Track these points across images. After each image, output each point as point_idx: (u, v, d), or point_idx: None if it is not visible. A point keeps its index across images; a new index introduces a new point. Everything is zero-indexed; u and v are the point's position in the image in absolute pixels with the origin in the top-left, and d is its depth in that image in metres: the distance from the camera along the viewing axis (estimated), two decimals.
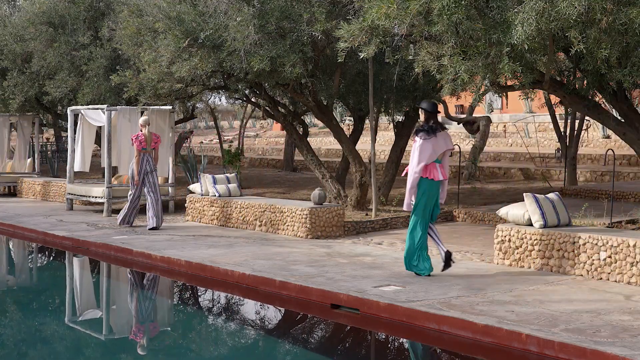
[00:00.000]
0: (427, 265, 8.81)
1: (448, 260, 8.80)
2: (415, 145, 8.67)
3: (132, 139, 12.97)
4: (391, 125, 16.82)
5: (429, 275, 8.79)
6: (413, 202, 8.73)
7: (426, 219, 8.77)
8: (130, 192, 13.20)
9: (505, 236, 9.47)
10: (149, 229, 12.82)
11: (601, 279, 8.54)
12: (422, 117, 8.86)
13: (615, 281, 8.42)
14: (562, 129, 17.63)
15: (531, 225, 9.32)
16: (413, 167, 8.63)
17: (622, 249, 8.38)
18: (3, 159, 19.90)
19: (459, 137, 26.57)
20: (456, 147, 16.20)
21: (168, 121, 15.41)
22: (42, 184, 18.15)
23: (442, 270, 8.87)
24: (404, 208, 8.89)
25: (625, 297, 7.78)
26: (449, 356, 7.15)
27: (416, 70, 9.06)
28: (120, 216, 13.41)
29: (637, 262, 8.25)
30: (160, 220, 12.98)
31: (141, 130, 13.01)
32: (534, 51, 8.66)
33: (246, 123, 31.51)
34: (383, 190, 14.36)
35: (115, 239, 11.95)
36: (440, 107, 16.26)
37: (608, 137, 23.72)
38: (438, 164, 8.74)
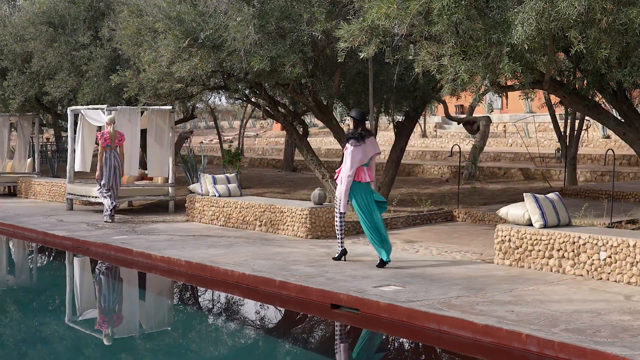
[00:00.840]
0: (386, 253, 9.55)
1: (342, 256, 9.85)
2: (347, 152, 9.44)
3: (98, 136, 13.93)
4: (391, 125, 16.83)
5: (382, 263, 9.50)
6: (348, 204, 9.55)
7: (367, 216, 9.49)
8: (97, 188, 14.14)
9: (505, 236, 9.47)
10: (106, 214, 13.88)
11: (601, 279, 8.54)
12: (351, 124, 9.58)
13: (615, 281, 8.42)
14: (562, 129, 17.63)
15: (531, 225, 9.32)
16: (346, 171, 9.41)
17: (622, 249, 8.38)
18: (3, 159, 19.89)
19: (459, 137, 26.59)
20: (456, 147, 16.23)
21: (168, 121, 15.41)
22: (42, 184, 18.15)
23: (333, 258, 9.89)
24: (341, 210, 9.61)
25: (625, 297, 7.78)
26: (449, 356, 7.15)
27: (416, 70, 9.06)
28: (105, 214, 13.94)
29: (637, 262, 8.25)
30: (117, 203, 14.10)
31: (106, 128, 13.91)
32: (534, 51, 8.66)
33: (246, 123, 31.52)
34: (383, 190, 14.35)
35: (115, 239, 11.95)
36: (440, 109, 16.20)
37: (608, 137, 23.73)
38: (365, 167, 9.51)
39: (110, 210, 13.86)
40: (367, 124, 10.04)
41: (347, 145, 9.48)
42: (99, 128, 15.67)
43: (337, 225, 9.75)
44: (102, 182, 13.87)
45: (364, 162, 9.47)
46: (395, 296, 7.92)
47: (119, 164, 13.87)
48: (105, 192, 13.90)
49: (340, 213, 9.64)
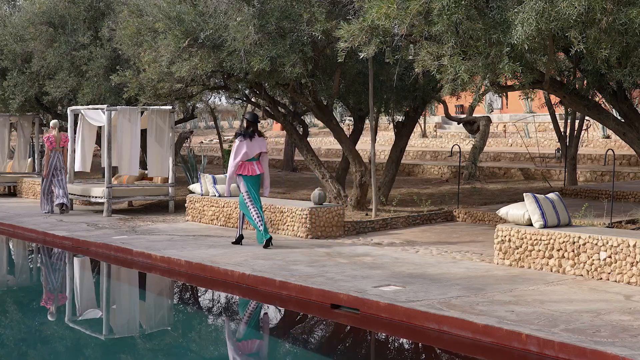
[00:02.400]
0: (257, 237, 11.02)
1: (239, 241, 11.18)
2: (234, 146, 10.90)
3: (44, 139, 15.29)
4: (391, 125, 16.83)
5: (264, 244, 10.79)
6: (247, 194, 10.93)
7: (254, 202, 10.90)
8: (41, 184, 15.56)
9: (505, 236, 9.47)
10: (57, 205, 15.18)
11: (601, 279, 8.54)
12: (245, 124, 11.14)
13: (615, 281, 8.42)
14: (562, 129, 17.63)
15: (531, 225, 9.32)
16: (231, 162, 10.88)
17: (622, 249, 8.38)
18: (3, 159, 19.89)
19: (459, 137, 26.59)
20: (456, 147, 16.23)
21: (168, 121, 15.41)
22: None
23: (232, 242, 11.18)
24: (224, 194, 11.72)
25: (625, 297, 7.78)
26: (449, 356, 7.15)
27: (416, 70, 9.06)
28: (44, 208, 15.49)
29: (637, 262, 8.25)
30: (69, 202, 15.43)
31: (51, 132, 15.29)
32: (534, 51, 8.66)
33: None
34: (383, 190, 14.36)
35: (115, 239, 11.95)
36: (440, 109, 16.26)
37: (608, 137, 23.73)
38: (255, 162, 10.94)
39: (63, 207, 15.15)
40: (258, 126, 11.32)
41: (235, 140, 10.90)
42: (100, 128, 15.69)
43: (252, 213, 10.87)
44: (45, 181, 15.33)
45: (249, 157, 10.85)
46: (395, 296, 7.92)
47: (61, 164, 15.30)
48: (47, 189, 15.37)
49: (239, 197, 11.10)
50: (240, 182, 10.94)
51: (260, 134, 11.06)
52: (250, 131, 10.92)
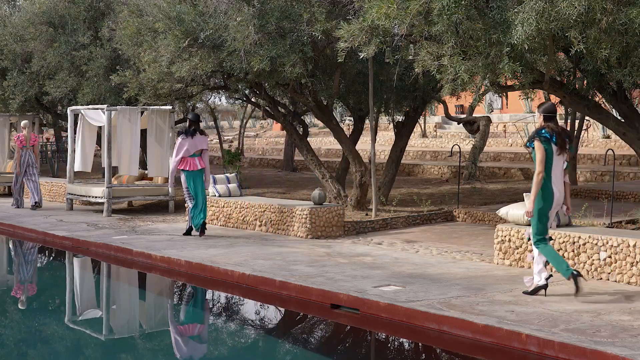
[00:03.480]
0: (193, 222, 12.02)
1: (190, 231, 12.14)
2: (176, 144, 11.93)
3: (15, 139, 16.31)
4: (391, 125, 16.83)
5: (199, 231, 11.91)
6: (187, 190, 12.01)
7: (195, 195, 11.88)
8: (14, 182, 16.52)
9: (505, 236, 9.47)
10: (32, 205, 16.05)
11: (601, 279, 8.54)
12: (187, 124, 12.13)
13: (615, 281, 8.42)
14: None
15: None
16: (173, 158, 12.02)
17: (622, 249, 8.38)
18: (3, 159, 19.87)
19: (459, 137, 26.58)
20: (456, 147, 16.23)
21: (168, 121, 15.41)
22: (42, 184, 18.12)
23: (183, 234, 12.19)
24: (170, 185, 13.41)
25: (625, 297, 7.78)
26: (449, 356, 7.15)
27: (416, 70, 9.06)
28: (14, 204, 16.51)
29: (637, 262, 8.25)
30: (41, 200, 16.28)
31: (22, 132, 16.22)
32: (534, 51, 8.66)
33: (246, 123, 31.51)
34: (383, 190, 14.36)
35: (115, 239, 11.95)
36: (440, 109, 16.39)
37: (608, 137, 23.73)
38: (197, 158, 11.87)
39: (35, 204, 16.04)
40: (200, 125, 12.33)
41: (178, 138, 11.91)
42: (100, 128, 15.69)
43: (187, 203, 12.09)
44: (18, 177, 16.29)
45: (190, 153, 11.82)
46: (395, 296, 7.92)
47: (33, 161, 16.21)
48: (18, 186, 16.38)
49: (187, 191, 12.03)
50: (182, 176, 11.96)
51: (202, 133, 12.00)
52: (192, 130, 11.90)
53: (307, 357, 7.28)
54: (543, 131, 7.70)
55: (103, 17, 17.29)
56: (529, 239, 7.94)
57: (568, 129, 17.27)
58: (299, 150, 14.66)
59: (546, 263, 7.81)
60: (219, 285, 9.65)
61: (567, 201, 8.00)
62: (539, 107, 7.89)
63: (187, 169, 11.84)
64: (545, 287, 7.78)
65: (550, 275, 7.82)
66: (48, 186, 17.92)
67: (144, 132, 15.76)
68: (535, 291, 7.82)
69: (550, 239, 7.90)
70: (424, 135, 29.26)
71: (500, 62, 8.20)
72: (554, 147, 7.68)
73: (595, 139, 24.05)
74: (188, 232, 12.12)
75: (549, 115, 7.76)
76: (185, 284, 10.27)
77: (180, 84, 12.99)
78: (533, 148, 7.73)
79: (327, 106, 14.27)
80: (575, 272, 7.60)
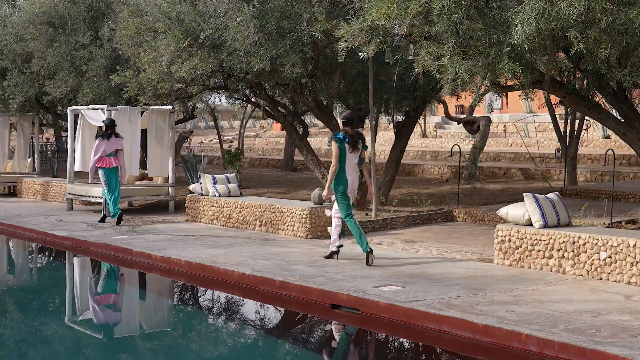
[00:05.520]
0: (111, 209, 13.55)
1: (103, 218, 13.93)
2: (94, 145, 13.56)
3: None
4: (391, 125, 16.83)
5: (116, 218, 13.41)
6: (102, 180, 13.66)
7: (110, 188, 13.49)
8: None
9: (505, 236, 9.47)
10: None
11: (601, 279, 8.54)
12: (104, 128, 13.70)
13: (615, 281, 8.42)
14: (562, 129, 17.64)
15: (531, 225, 9.32)
16: (92, 157, 13.62)
17: (622, 249, 8.38)
18: (3, 159, 19.89)
19: (459, 137, 26.59)
20: (456, 147, 16.23)
21: (168, 121, 15.41)
22: (42, 184, 18.15)
23: (99, 221, 13.83)
24: (90, 180, 14.78)
25: (625, 297, 7.78)
26: (449, 356, 7.15)
27: (416, 70, 9.06)
28: None
29: (637, 262, 8.25)
30: None
31: None
32: (534, 51, 8.67)
33: (246, 123, 31.52)
34: (383, 190, 14.36)
35: (115, 239, 11.95)
36: (440, 109, 16.46)
37: (608, 137, 23.73)
38: (113, 157, 13.49)
39: None
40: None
41: (96, 140, 13.58)
42: (99, 128, 15.70)
43: (106, 196, 13.64)
44: None
45: (107, 153, 13.43)
46: (395, 296, 7.91)
47: None
48: None
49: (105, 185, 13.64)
50: (100, 172, 13.55)
51: (117, 135, 13.67)
52: (108, 133, 13.52)
53: (307, 357, 7.29)
54: (339, 134, 9.68)
55: (103, 17, 17.29)
56: (330, 215, 10.09)
57: (568, 129, 17.31)
58: (299, 150, 14.66)
59: (340, 235, 9.87)
60: (219, 285, 9.65)
61: (370, 188, 10.64)
62: (340, 114, 10.23)
63: (104, 166, 13.49)
64: (337, 252, 9.88)
65: (341, 245, 9.90)
66: (48, 186, 17.93)
67: (144, 132, 15.76)
68: (330, 256, 9.91)
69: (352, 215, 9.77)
70: (424, 135, 29.27)
71: (500, 62, 8.20)
72: (347, 146, 9.63)
73: (595, 139, 24.05)
74: (103, 220, 13.83)
75: (346, 121, 9.70)
76: (185, 284, 10.27)
77: (180, 84, 12.99)
78: (331, 146, 9.73)
79: (327, 106, 14.27)
80: (369, 249, 9.56)
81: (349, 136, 9.64)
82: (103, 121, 14.17)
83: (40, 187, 18.18)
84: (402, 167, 20.67)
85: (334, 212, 9.87)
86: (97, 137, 13.72)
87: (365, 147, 9.87)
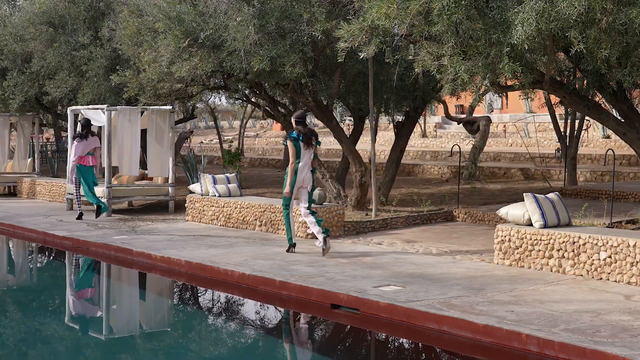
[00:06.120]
0: (94, 201, 14.19)
1: (81, 216, 14.32)
2: (73, 146, 14.11)
3: None
4: (391, 125, 16.83)
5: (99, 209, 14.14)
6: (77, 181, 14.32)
7: (82, 186, 14.16)
8: None
9: (505, 236, 9.47)
10: None
11: (601, 279, 8.54)
12: (80, 128, 14.31)
13: (615, 281, 8.42)
14: (562, 129, 17.64)
15: (531, 225, 9.32)
16: (71, 157, 14.26)
17: (622, 249, 8.38)
18: (3, 159, 19.88)
19: (459, 137, 26.59)
20: (456, 147, 16.23)
21: (168, 121, 15.41)
22: (42, 184, 18.15)
23: (76, 218, 14.23)
24: (71, 179, 14.62)
25: (625, 297, 7.79)
26: (449, 356, 7.15)
27: (416, 70, 9.06)
28: None
29: (637, 262, 8.25)
30: None
31: None
32: (534, 51, 8.67)
33: (246, 123, 31.52)
34: (383, 190, 14.36)
35: (115, 239, 11.95)
36: (440, 109, 16.50)
37: (608, 137, 23.73)
38: (90, 156, 14.11)
39: None
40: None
41: (74, 141, 14.09)
42: (100, 128, 15.70)
43: (79, 191, 14.37)
44: None
45: (86, 152, 14.00)
46: (395, 296, 7.92)
47: None
48: None
49: (75, 182, 14.38)
50: (76, 169, 14.14)
51: (93, 134, 14.27)
52: (84, 133, 14.06)
53: (307, 357, 7.29)
54: (294, 133, 10.24)
55: (103, 17, 17.29)
56: (283, 208, 10.55)
57: (568, 129, 17.30)
58: None
59: (318, 223, 10.25)
60: (219, 285, 9.65)
61: (311, 182, 10.63)
62: (292, 114, 10.92)
63: (82, 164, 14.13)
64: (327, 235, 10.21)
65: (327, 230, 10.32)
66: (48, 186, 17.92)
67: (144, 132, 15.76)
68: (325, 242, 10.14)
69: (314, 212, 10.41)
70: (424, 135, 29.27)
71: (500, 62, 8.20)
72: (301, 144, 10.21)
73: (595, 139, 24.05)
74: (79, 217, 14.24)
75: (299, 120, 10.34)
76: (185, 284, 10.27)
77: (180, 84, 12.99)
78: (286, 145, 10.31)
79: (327, 106, 14.27)
80: (293, 244, 10.42)
81: (302, 134, 10.24)
82: (79, 121, 14.65)
83: (40, 187, 18.18)
84: (402, 167, 20.67)
85: (304, 214, 10.42)
86: (74, 138, 14.25)
87: (318, 143, 10.47)
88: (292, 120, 10.45)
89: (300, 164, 10.22)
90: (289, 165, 10.19)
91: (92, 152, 14.17)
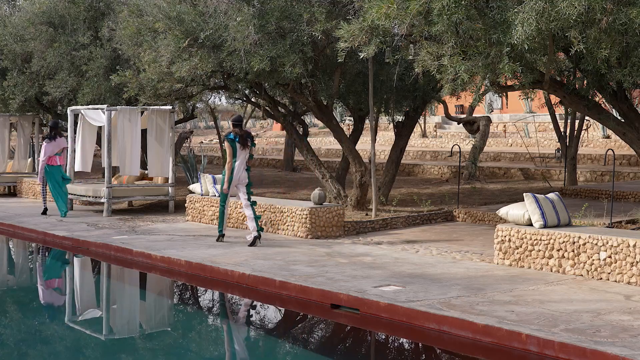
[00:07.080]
0: (63, 209, 14.70)
1: (46, 212, 15.13)
2: (42, 147, 14.89)
3: None
4: (391, 125, 16.83)
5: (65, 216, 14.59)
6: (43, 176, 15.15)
7: (54, 183, 14.88)
8: None
9: (505, 236, 9.47)
10: None
11: (601, 279, 8.55)
12: (49, 130, 15.27)
13: (615, 281, 8.42)
14: (562, 129, 17.64)
15: (531, 225, 9.32)
16: (41, 157, 14.95)
17: (622, 249, 8.38)
18: (3, 159, 19.88)
19: (459, 137, 26.59)
20: (456, 147, 16.23)
21: (168, 121, 15.41)
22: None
23: (42, 213, 15.06)
24: (38, 179, 15.57)
25: (625, 297, 7.79)
26: (449, 356, 7.15)
27: (416, 70, 9.06)
28: None
29: (637, 262, 8.25)
30: None
31: None
32: (534, 51, 8.66)
33: (246, 123, 31.49)
34: (383, 190, 14.36)
35: (115, 239, 11.95)
36: (440, 109, 16.54)
37: (608, 137, 23.73)
38: (58, 156, 14.96)
39: None
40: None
41: (43, 142, 14.92)
42: (100, 128, 15.71)
43: (47, 189, 15.28)
44: None
45: (54, 152, 14.82)
46: (395, 296, 7.92)
47: None
48: None
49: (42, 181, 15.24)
50: (45, 169, 14.92)
51: (61, 135, 15.35)
52: (53, 134, 14.92)
53: (307, 357, 7.29)
54: (231, 135, 11.12)
55: (103, 17, 17.28)
56: (220, 203, 11.43)
57: (568, 129, 17.30)
58: (299, 150, 14.66)
59: (255, 220, 11.03)
60: (219, 285, 9.65)
61: (246, 179, 11.30)
62: (230, 117, 11.77)
63: (51, 164, 14.92)
64: (258, 237, 11.00)
65: (262, 229, 11.35)
66: (48, 186, 17.88)
67: (144, 132, 15.76)
68: (253, 242, 10.97)
69: (255, 203, 11.36)
70: (424, 135, 29.27)
71: (500, 62, 8.20)
72: (238, 145, 11.09)
73: (595, 139, 24.05)
74: (44, 212, 15.06)
75: (236, 123, 11.19)
76: (185, 284, 10.27)
77: (180, 84, 12.98)
78: (223, 146, 11.44)
79: (327, 106, 14.27)
80: (222, 235, 11.41)
81: (239, 136, 11.11)
82: (47, 123, 15.86)
83: (40, 187, 18.14)
84: (402, 167, 20.67)
85: (244, 205, 11.23)
86: (43, 139, 15.38)
87: (253, 145, 11.31)
88: (229, 122, 11.27)
89: (236, 162, 11.05)
90: (226, 164, 11.09)
91: (60, 153, 15.06)
